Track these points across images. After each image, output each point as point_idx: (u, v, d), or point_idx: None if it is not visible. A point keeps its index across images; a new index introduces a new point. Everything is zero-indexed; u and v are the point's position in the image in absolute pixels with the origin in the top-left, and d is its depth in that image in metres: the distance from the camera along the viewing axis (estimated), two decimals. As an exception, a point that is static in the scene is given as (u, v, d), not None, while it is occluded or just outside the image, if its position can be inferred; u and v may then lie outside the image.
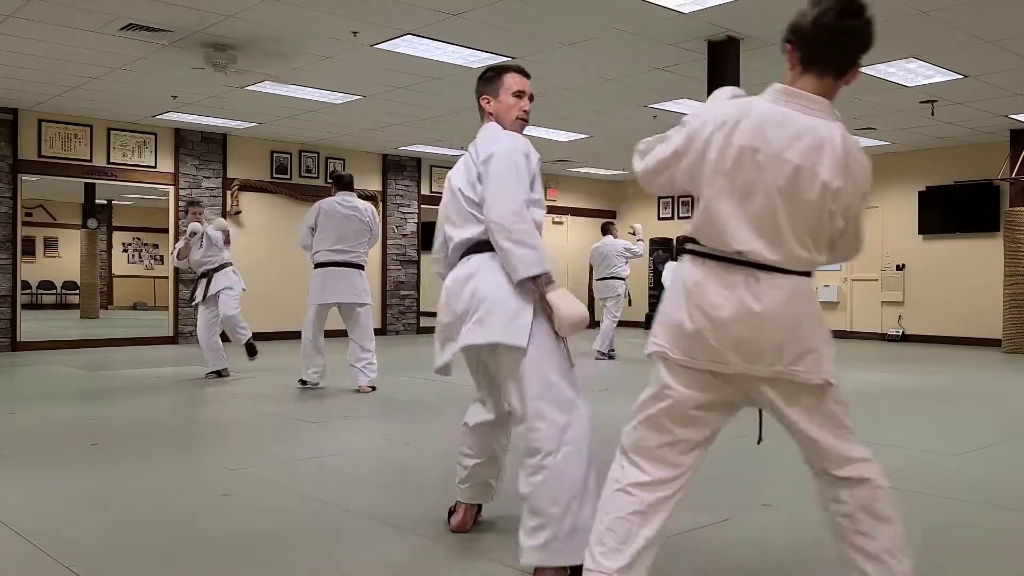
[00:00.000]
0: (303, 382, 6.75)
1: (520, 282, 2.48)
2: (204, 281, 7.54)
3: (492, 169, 2.57)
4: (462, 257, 2.70)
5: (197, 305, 7.56)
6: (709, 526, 3.07)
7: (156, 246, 20.14)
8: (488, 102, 2.82)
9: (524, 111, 2.84)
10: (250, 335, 7.59)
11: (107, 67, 7.98)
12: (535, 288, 2.48)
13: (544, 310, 2.50)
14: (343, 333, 6.79)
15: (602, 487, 2.15)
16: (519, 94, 2.83)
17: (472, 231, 2.65)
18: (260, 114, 10.16)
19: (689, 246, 2.01)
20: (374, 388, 6.67)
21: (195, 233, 7.54)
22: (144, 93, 9.05)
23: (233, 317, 7.43)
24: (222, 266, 7.56)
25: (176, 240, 7.97)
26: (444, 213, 2.85)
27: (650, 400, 2.05)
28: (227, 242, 7.61)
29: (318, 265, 6.58)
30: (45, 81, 8.58)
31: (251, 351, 7.58)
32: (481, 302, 2.53)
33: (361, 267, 6.66)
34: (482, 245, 2.62)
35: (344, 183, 6.75)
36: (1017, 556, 2.85)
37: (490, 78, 2.85)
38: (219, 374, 7.46)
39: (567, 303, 2.45)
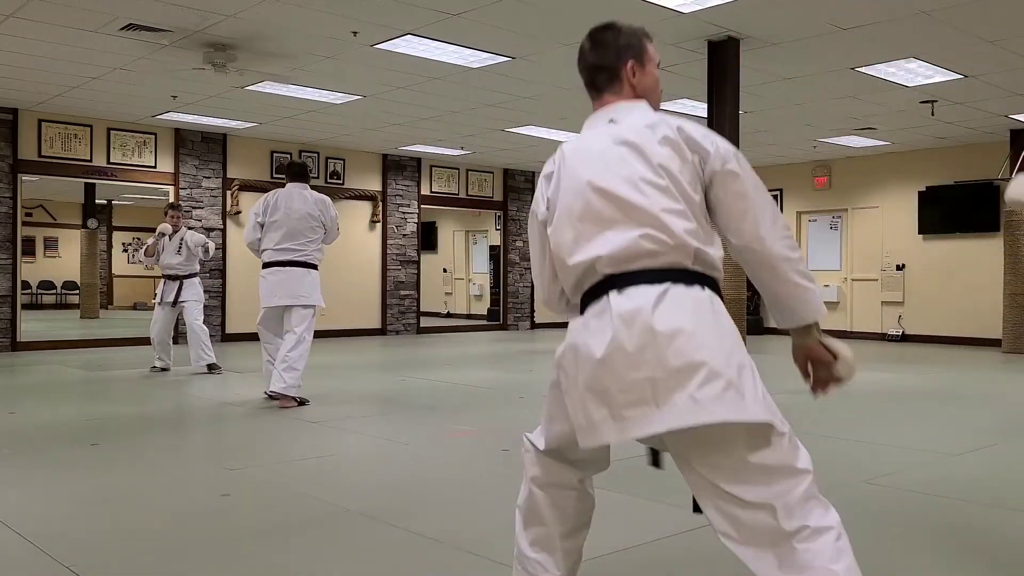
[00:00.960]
0: (267, 395, 6.02)
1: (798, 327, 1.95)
2: (173, 284, 7.86)
3: (747, 179, 1.89)
4: (630, 282, 1.85)
5: (161, 304, 7.87)
6: (709, 526, 3.06)
7: (156, 246, 20.13)
8: (634, 73, 2.10)
9: None
10: (214, 360, 7.83)
11: (107, 67, 7.98)
12: (813, 331, 1.96)
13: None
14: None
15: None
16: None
17: (657, 243, 1.85)
18: (260, 114, 10.15)
19: None
20: (303, 402, 5.83)
21: (163, 234, 7.88)
22: (144, 93, 9.04)
23: (205, 330, 7.81)
24: (191, 275, 7.94)
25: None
26: (572, 217, 1.94)
27: None
28: (206, 253, 7.94)
29: (265, 265, 6.00)
30: (45, 81, 8.58)
31: (212, 370, 7.78)
32: (707, 363, 1.75)
33: (312, 266, 5.99)
34: (679, 273, 1.85)
35: (295, 173, 6.19)
36: (1017, 556, 2.85)
37: (630, 38, 2.17)
38: (163, 369, 7.84)
39: (842, 345, 2.00)
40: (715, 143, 1.90)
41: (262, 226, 6.03)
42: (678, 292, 1.82)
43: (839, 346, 1.98)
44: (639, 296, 1.81)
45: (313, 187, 6.36)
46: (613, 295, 1.84)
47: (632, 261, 1.86)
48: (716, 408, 1.72)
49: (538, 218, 2.06)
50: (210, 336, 7.94)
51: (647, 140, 1.91)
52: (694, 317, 1.79)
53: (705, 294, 1.85)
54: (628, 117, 2.00)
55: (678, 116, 1.98)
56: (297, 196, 6.04)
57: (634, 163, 1.90)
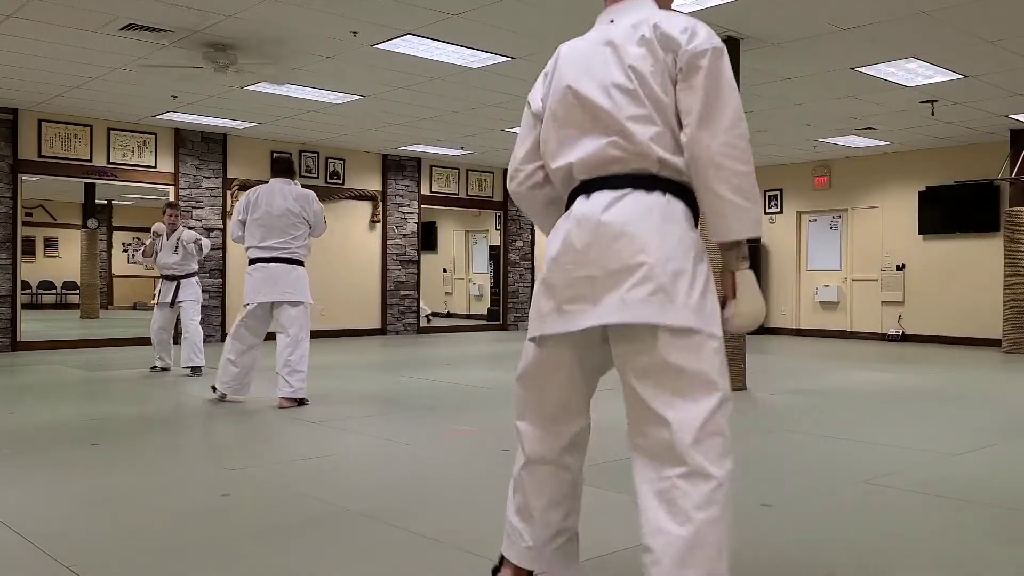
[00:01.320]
0: (213, 388, 6.08)
1: (724, 243, 1.87)
2: (170, 284, 7.85)
3: (713, 75, 1.81)
4: (598, 188, 1.89)
5: (160, 304, 7.91)
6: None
7: (156, 246, 20.13)
8: None
9: None
10: (202, 363, 7.78)
11: (107, 67, 7.98)
12: (733, 256, 1.89)
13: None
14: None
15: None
16: None
17: (628, 148, 1.85)
18: (260, 114, 10.16)
19: None
20: (303, 402, 5.83)
21: (158, 234, 7.89)
22: (144, 93, 9.04)
23: (200, 332, 7.78)
24: (189, 275, 7.93)
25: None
26: (557, 122, 1.98)
27: None
28: (200, 250, 7.89)
29: (251, 262, 5.96)
30: (45, 81, 8.58)
31: (194, 372, 7.78)
32: (643, 266, 1.79)
33: (297, 262, 5.92)
34: (644, 179, 1.86)
35: (281, 168, 6.09)
36: (1017, 556, 2.85)
37: None
38: (163, 369, 7.95)
39: (755, 290, 1.90)
40: (694, 35, 1.83)
41: (243, 224, 5.99)
42: (635, 197, 1.85)
43: (744, 296, 1.91)
44: (598, 200, 1.87)
45: (313, 187, 6.34)
46: (580, 199, 1.92)
47: (603, 167, 1.90)
48: (639, 309, 1.78)
49: (531, 108, 2.14)
50: (210, 336, 7.95)
51: (627, 41, 1.88)
52: (641, 221, 1.82)
53: (662, 199, 1.85)
54: (625, 17, 1.95)
55: (672, 13, 1.90)
56: (278, 193, 5.91)
57: (611, 66, 1.90)
